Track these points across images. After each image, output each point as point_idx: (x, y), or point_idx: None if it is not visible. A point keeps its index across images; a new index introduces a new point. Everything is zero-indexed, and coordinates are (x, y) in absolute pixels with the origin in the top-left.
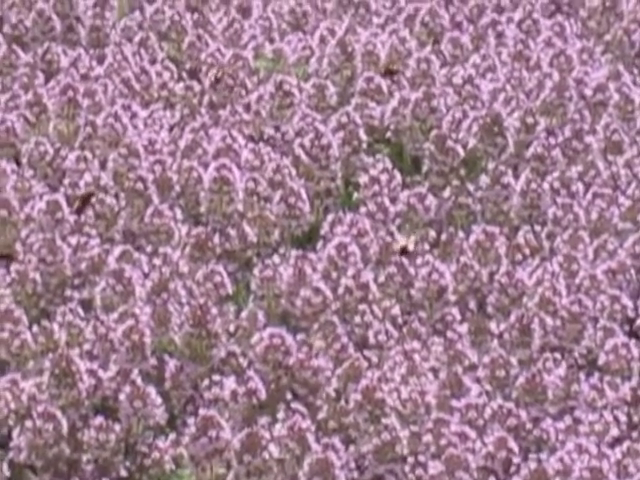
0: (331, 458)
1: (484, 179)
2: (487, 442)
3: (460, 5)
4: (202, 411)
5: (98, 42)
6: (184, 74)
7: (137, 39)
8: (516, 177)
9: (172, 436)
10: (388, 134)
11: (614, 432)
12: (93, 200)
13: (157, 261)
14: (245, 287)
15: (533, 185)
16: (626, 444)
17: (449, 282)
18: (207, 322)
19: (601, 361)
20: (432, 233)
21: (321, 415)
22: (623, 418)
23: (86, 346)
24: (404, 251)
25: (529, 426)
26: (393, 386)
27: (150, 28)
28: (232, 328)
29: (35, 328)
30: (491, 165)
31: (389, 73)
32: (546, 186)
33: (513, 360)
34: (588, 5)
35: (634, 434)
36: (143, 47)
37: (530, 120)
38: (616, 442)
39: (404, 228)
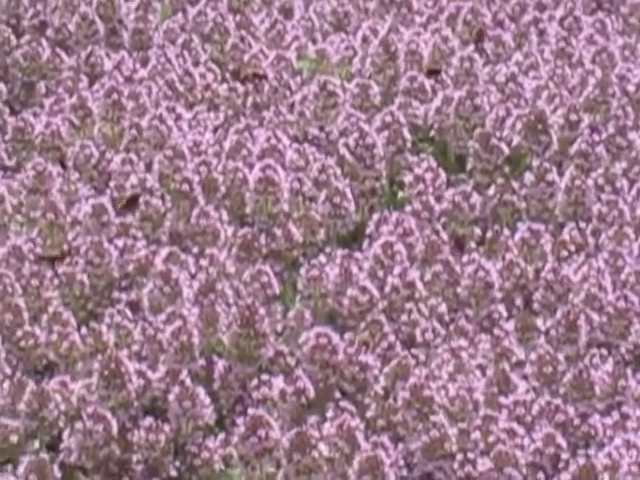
0: (380, 456)
1: (529, 176)
2: (535, 438)
3: (502, 3)
4: (251, 411)
5: (141, 45)
6: (227, 75)
7: (180, 41)
8: (560, 174)
9: (221, 436)
10: (432, 133)
11: None
12: (139, 202)
13: (204, 262)
14: (292, 287)
15: (577, 182)
16: None
17: (495, 279)
18: (255, 322)
19: None
20: (477, 231)
21: (370, 413)
22: None
23: (135, 347)
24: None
25: (577, 422)
26: (441, 384)
27: (193, 30)
28: (280, 328)
29: (84, 330)
30: (535, 162)
31: (432, 73)
32: (590, 183)
33: (560, 356)
34: (629, 2)
35: None
36: (186, 49)
37: (574, 117)
38: None
39: (449, 225)
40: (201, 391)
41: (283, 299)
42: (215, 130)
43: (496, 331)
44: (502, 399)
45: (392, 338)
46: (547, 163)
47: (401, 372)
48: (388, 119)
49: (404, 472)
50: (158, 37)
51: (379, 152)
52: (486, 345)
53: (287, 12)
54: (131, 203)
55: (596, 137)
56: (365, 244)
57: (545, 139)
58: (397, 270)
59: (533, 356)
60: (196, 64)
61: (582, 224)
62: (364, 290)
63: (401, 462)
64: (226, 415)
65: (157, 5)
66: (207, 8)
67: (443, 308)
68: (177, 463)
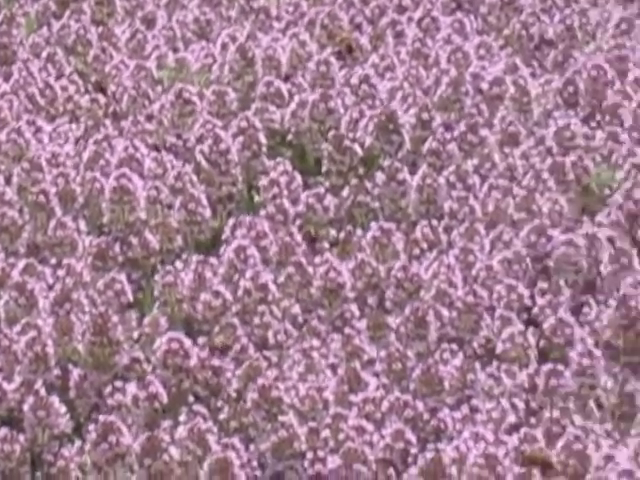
0: (230, 457)
1: (380, 176)
2: (385, 434)
3: (361, 7)
4: (102, 417)
5: (6, 59)
6: (90, 87)
7: (44, 54)
8: (414, 173)
9: (78, 444)
10: (289, 137)
11: (511, 419)
12: None
13: (61, 272)
14: (151, 294)
15: (429, 180)
16: (523, 430)
17: (347, 279)
18: (108, 330)
19: (498, 350)
20: (332, 232)
21: (222, 416)
22: (521, 405)
23: None
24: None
25: (426, 417)
26: (291, 384)
27: (57, 43)
28: (136, 335)
29: None
30: (387, 162)
31: (347, 49)
32: (442, 180)
33: (410, 353)
34: (488, 1)
35: (531, 420)
36: (50, 62)
37: (425, 116)
38: (513, 429)
39: (306, 227)
40: (56, 400)
41: (142, 306)
42: (76, 141)
43: (347, 330)
44: (352, 397)
45: (245, 341)
46: (398, 162)
47: (253, 374)
48: (244, 124)
49: (257, 472)
50: (23, 51)
51: (233, 157)
52: (338, 344)
53: (150, 22)
54: None
55: (448, 135)
56: (222, 249)
57: (397, 139)
58: (249, 273)
59: (383, 353)
60: (60, 77)
61: (434, 222)
62: (217, 294)
63: (254, 463)
64: (83, 423)
65: (21, 20)
66: (70, 21)
67: (296, 309)
68: (36, 473)
